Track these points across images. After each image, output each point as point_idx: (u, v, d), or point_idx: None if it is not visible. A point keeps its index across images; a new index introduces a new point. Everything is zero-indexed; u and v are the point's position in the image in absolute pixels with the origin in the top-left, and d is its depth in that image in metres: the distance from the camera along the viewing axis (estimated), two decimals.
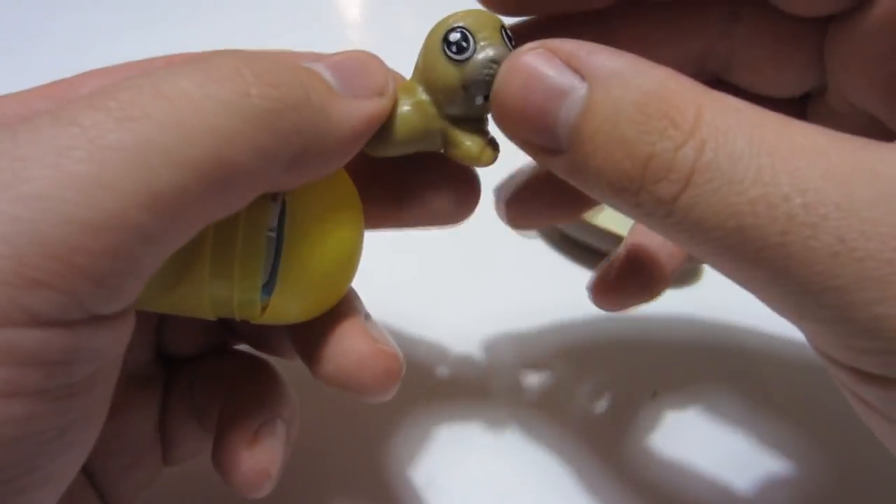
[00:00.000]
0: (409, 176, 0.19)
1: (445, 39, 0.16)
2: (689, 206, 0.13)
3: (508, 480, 0.23)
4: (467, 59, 0.16)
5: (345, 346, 0.17)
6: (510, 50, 0.16)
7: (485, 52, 0.16)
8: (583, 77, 0.14)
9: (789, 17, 0.18)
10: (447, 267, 0.30)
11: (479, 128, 0.17)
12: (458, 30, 0.16)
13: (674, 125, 0.13)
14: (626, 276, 0.21)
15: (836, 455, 0.23)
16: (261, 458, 0.17)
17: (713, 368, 0.26)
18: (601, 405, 0.25)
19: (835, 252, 0.12)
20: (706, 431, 0.24)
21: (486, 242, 0.30)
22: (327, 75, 0.15)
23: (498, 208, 0.21)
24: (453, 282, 0.29)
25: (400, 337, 0.28)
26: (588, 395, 0.25)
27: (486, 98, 0.16)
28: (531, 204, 0.21)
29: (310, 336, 0.17)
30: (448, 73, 0.16)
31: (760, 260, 0.12)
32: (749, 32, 0.19)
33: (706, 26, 0.19)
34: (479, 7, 0.19)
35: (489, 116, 0.17)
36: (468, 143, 0.17)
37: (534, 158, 0.15)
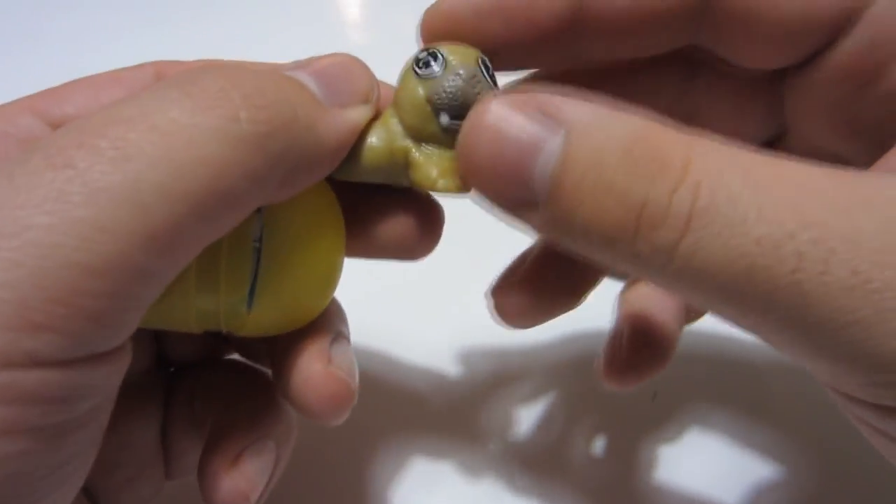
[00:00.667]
0: (360, 202, 0.18)
1: (416, 59, 0.16)
2: (692, 251, 0.12)
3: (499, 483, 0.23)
4: (433, 74, 0.16)
5: (300, 364, 0.17)
6: (484, 76, 0.16)
7: (452, 68, 0.15)
8: (558, 124, 0.13)
9: (745, 71, 0.18)
10: (431, 281, 0.30)
11: (446, 154, 0.16)
12: (429, 50, 0.16)
13: (664, 169, 0.12)
14: (637, 352, 0.20)
15: (838, 459, 0.23)
16: (240, 481, 0.16)
17: (713, 369, 0.26)
18: (600, 406, 0.25)
19: (850, 286, 0.12)
20: (706, 433, 0.24)
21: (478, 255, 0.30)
22: (312, 85, 0.15)
23: (489, 306, 0.20)
24: (438, 295, 0.29)
25: (384, 353, 0.28)
26: (586, 398, 0.25)
27: (454, 118, 0.15)
28: (521, 293, 0.19)
29: (276, 350, 0.17)
30: (413, 88, 0.16)
31: (773, 301, 0.12)
32: (708, 89, 0.19)
33: (666, 87, 0.19)
34: None
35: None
36: (427, 165, 0.16)
37: (507, 214, 0.15)
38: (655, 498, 0.22)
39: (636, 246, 0.13)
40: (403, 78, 0.16)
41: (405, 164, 0.16)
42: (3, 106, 0.16)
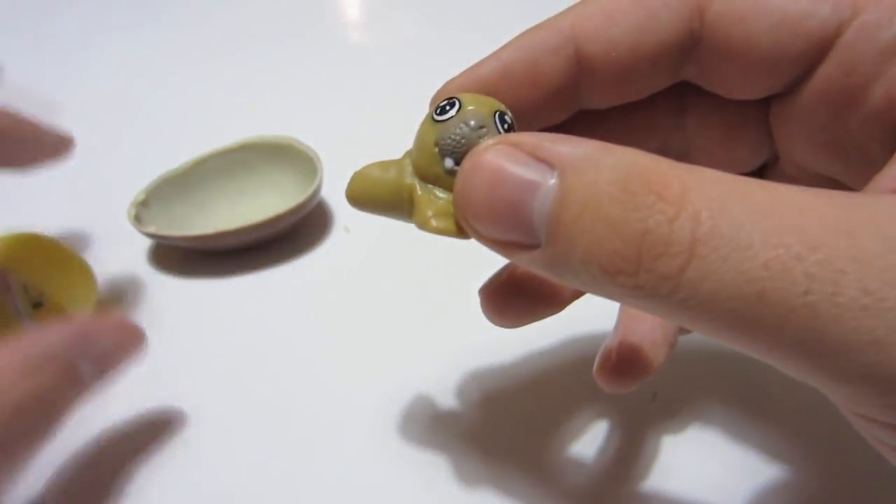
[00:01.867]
0: None
1: (437, 106, 0.17)
2: (699, 278, 0.12)
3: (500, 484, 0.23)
4: (446, 119, 0.16)
5: None
6: (496, 127, 0.16)
7: (463, 116, 0.16)
8: (551, 166, 0.13)
9: (732, 101, 0.19)
10: (435, 280, 0.30)
11: (446, 196, 0.16)
12: (451, 99, 0.17)
13: (662, 198, 0.12)
14: (624, 357, 0.21)
15: (839, 459, 0.23)
16: None
17: (713, 369, 0.26)
18: (600, 406, 0.25)
19: (864, 305, 0.11)
20: (706, 433, 0.24)
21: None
22: None
23: (482, 306, 0.20)
24: (440, 296, 0.29)
25: (384, 354, 0.28)
26: (586, 398, 0.25)
27: (458, 163, 0.16)
28: (505, 293, 0.20)
29: None
30: (427, 131, 0.16)
31: (786, 325, 0.12)
32: (698, 122, 0.20)
33: (658, 124, 0.20)
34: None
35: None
36: (425, 205, 0.16)
37: (507, 257, 0.15)
38: (656, 498, 0.22)
39: (639, 277, 0.12)
40: (423, 121, 0.17)
41: (409, 201, 0.17)
42: None
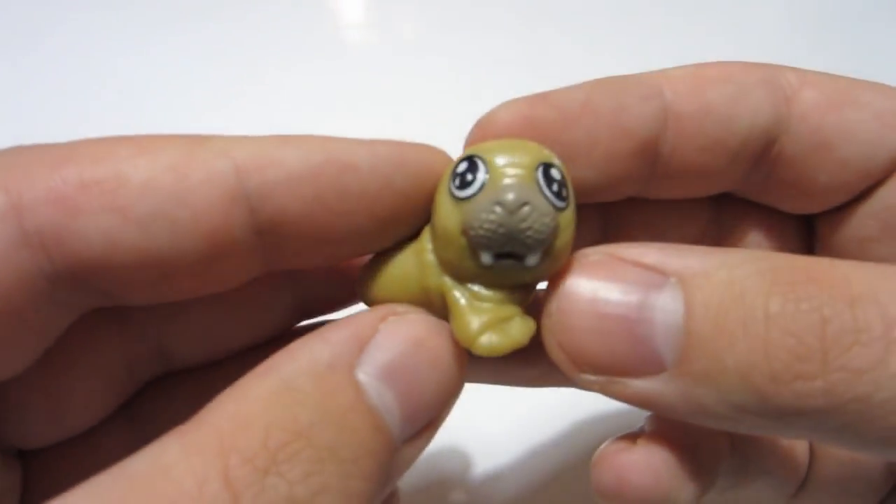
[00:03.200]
0: None
1: (454, 170, 0.12)
2: None
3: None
4: (470, 196, 0.12)
5: None
6: (543, 194, 0.12)
7: (494, 190, 0.11)
8: (659, 277, 0.12)
9: (776, 214, 0.17)
10: None
11: (491, 295, 0.12)
12: (470, 159, 0.12)
13: (825, 286, 0.10)
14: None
15: None
16: None
17: None
18: (600, 407, 0.25)
19: None
20: None
21: None
22: (394, 414, 0.12)
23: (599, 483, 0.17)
24: None
25: None
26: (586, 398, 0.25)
27: (501, 256, 0.12)
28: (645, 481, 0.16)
29: None
30: (447, 212, 0.12)
31: None
32: (739, 215, 0.18)
33: (697, 213, 0.18)
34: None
35: (525, 288, 0.13)
36: (465, 315, 0.12)
37: (611, 394, 0.12)
38: None
39: (828, 377, 0.10)
40: (440, 193, 0.13)
41: (443, 306, 0.13)
42: None
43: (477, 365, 0.14)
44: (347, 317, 0.13)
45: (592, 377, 0.12)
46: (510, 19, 0.44)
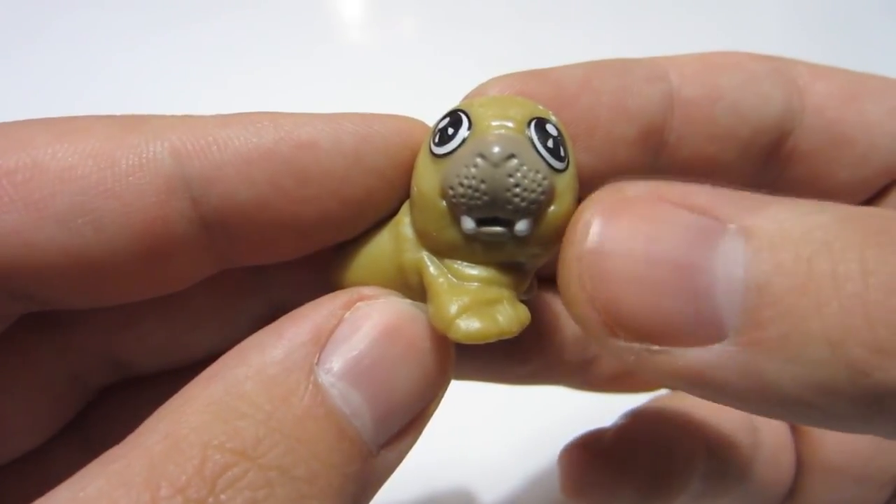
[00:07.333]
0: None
1: (435, 127, 0.11)
2: None
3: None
4: (450, 151, 0.10)
5: None
6: (537, 151, 0.10)
7: (478, 140, 0.10)
8: (718, 222, 0.09)
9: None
10: None
11: (473, 274, 0.11)
12: (455, 112, 0.10)
13: None
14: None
15: None
16: None
17: None
18: (599, 409, 0.25)
19: None
20: None
21: None
22: (365, 419, 0.11)
23: (563, 478, 0.17)
24: None
25: None
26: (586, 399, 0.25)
27: (483, 223, 0.10)
28: (606, 480, 0.16)
29: None
30: (423, 175, 0.11)
31: None
32: None
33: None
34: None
35: (520, 263, 0.11)
36: (443, 296, 0.10)
37: (650, 366, 0.10)
38: None
39: None
40: (419, 156, 0.11)
41: (421, 287, 0.11)
42: None
43: (460, 360, 0.12)
44: (307, 305, 0.11)
45: (630, 344, 0.10)
46: (510, 17, 0.44)
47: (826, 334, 0.08)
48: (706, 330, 0.09)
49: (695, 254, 0.09)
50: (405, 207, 0.12)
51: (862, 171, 0.14)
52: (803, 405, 0.09)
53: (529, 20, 0.43)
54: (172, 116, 0.12)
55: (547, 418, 0.25)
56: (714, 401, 0.10)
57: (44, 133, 0.11)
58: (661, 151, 0.14)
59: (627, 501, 0.16)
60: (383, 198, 0.12)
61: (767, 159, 0.15)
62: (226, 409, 0.10)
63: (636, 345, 0.10)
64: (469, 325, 0.10)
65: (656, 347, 0.09)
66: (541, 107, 0.11)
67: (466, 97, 0.13)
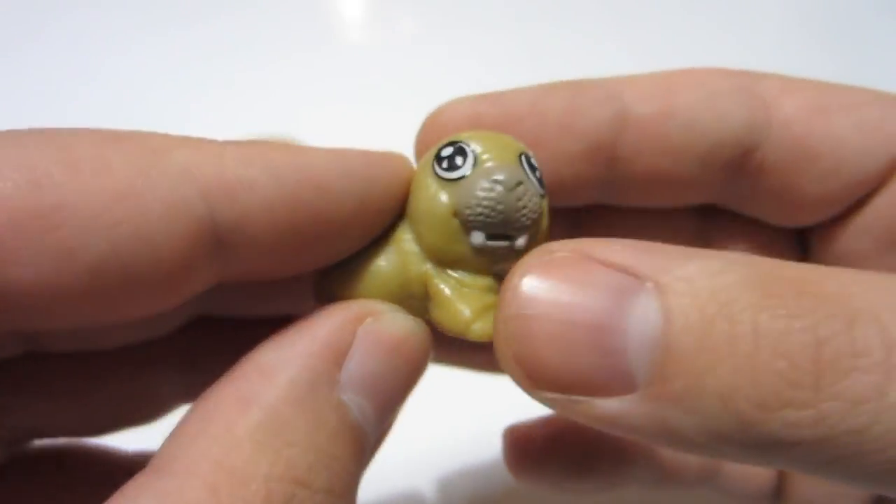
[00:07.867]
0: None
1: (437, 155, 0.12)
2: None
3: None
4: (461, 177, 0.12)
5: None
6: (529, 179, 0.12)
7: (487, 169, 0.12)
8: (636, 281, 0.10)
9: (766, 225, 0.17)
10: None
11: (481, 282, 0.12)
12: (455, 144, 0.12)
13: (823, 302, 0.09)
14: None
15: None
16: None
17: None
18: None
19: None
20: None
21: None
22: (370, 418, 0.12)
23: (505, 456, 0.18)
24: None
25: None
26: None
27: (493, 238, 0.12)
28: (541, 457, 0.17)
29: None
30: (434, 195, 0.12)
31: None
32: (725, 228, 0.18)
33: (683, 225, 0.18)
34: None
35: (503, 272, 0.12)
36: (456, 302, 0.12)
37: (568, 412, 0.11)
38: (657, 500, 0.22)
39: (821, 407, 0.09)
40: (419, 179, 0.13)
41: (424, 296, 0.13)
42: None
43: (443, 349, 0.14)
44: (318, 317, 0.12)
45: (552, 395, 0.11)
46: (510, 18, 0.44)
47: (719, 390, 0.09)
48: (620, 383, 0.10)
49: (611, 314, 0.10)
50: (404, 225, 0.13)
51: (829, 184, 0.15)
52: (706, 449, 0.10)
53: (529, 20, 0.43)
54: (190, 144, 0.11)
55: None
56: (630, 439, 0.11)
57: (61, 162, 0.10)
58: (614, 166, 0.15)
59: (559, 478, 0.18)
60: (378, 224, 0.13)
61: (734, 173, 0.16)
62: (272, 438, 0.10)
63: (559, 395, 0.11)
64: (484, 327, 0.12)
65: (576, 398, 0.10)
66: (522, 143, 0.13)
67: (426, 123, 0.15)
